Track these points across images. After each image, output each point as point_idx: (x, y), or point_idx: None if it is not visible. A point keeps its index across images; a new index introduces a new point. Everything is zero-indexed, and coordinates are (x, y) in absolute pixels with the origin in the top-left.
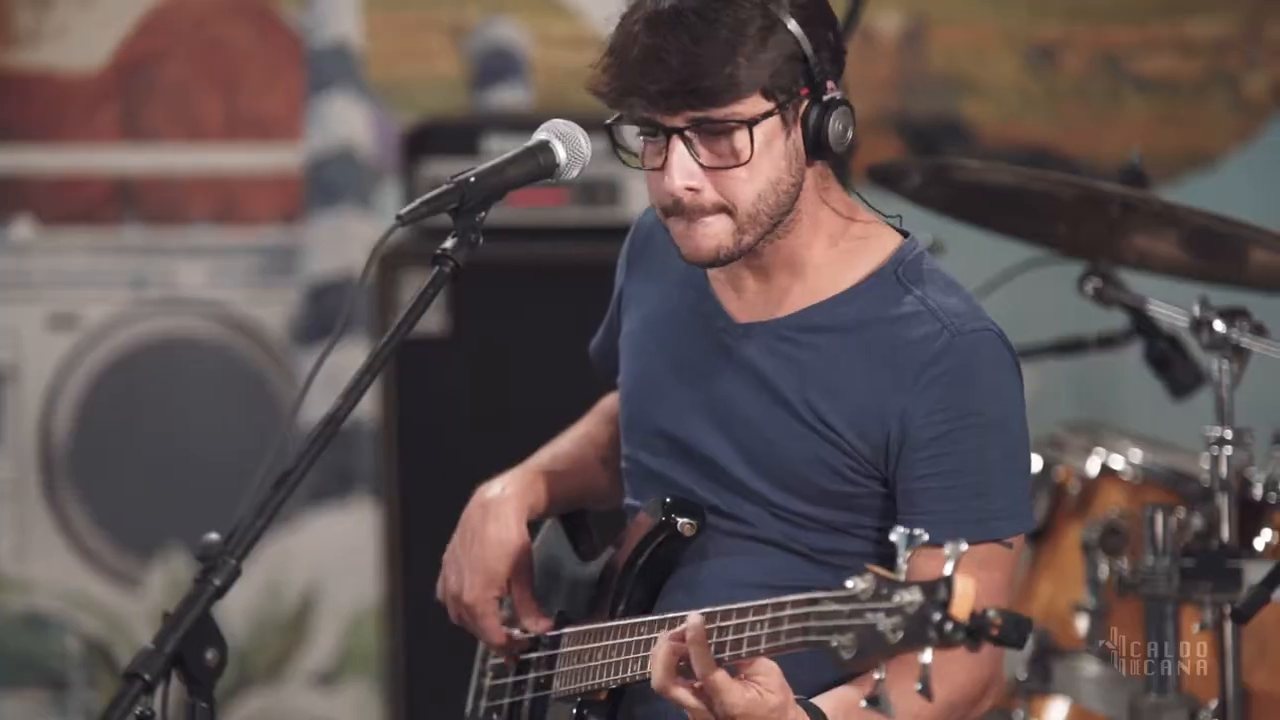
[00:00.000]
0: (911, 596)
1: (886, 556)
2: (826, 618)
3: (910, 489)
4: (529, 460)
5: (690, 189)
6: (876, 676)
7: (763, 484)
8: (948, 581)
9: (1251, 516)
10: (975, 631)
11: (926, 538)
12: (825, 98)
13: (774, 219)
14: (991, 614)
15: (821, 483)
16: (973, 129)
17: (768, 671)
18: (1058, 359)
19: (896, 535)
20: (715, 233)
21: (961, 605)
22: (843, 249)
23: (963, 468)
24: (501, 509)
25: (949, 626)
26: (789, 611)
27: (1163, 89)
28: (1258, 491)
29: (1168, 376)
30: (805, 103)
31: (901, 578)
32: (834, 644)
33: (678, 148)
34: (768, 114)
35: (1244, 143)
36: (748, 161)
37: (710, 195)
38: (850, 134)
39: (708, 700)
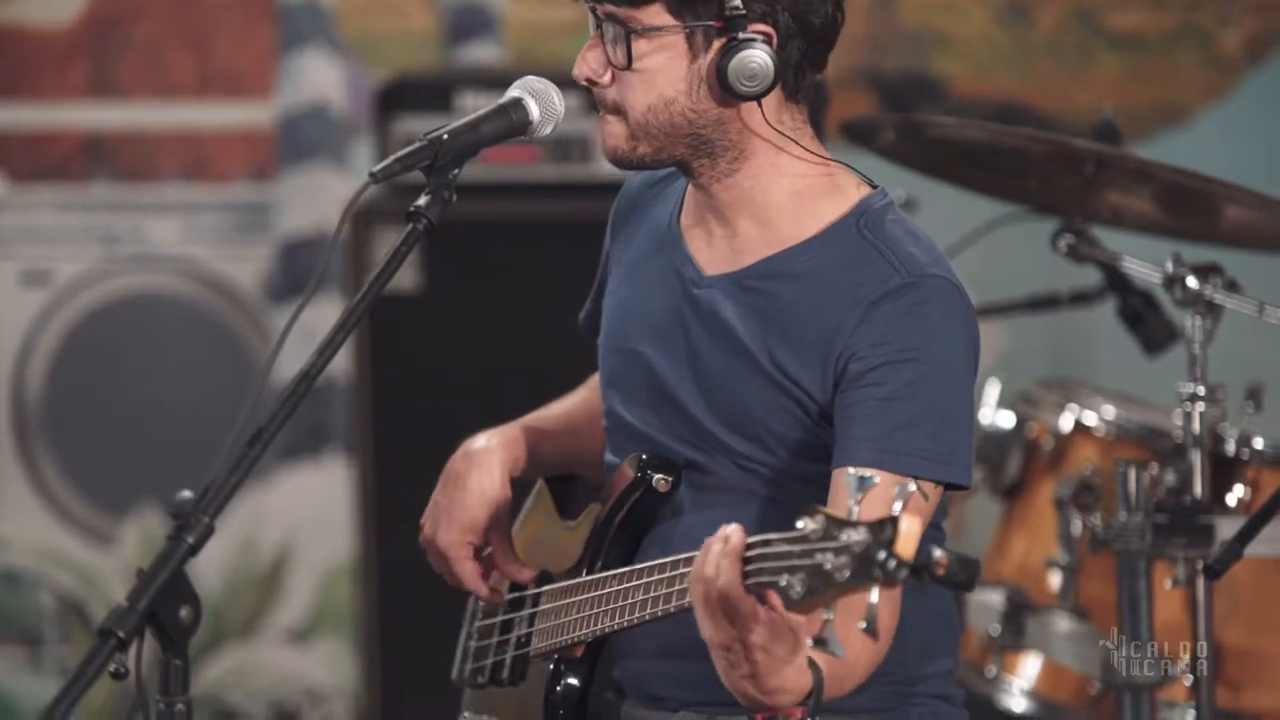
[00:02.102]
0: (858, 536)
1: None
2: (778, 558)
3: (842, 417)
4: (520, 418)
5: (590, 80)
6: (825, 617)
7: (727, 434)
8: (893, 521)
9: (1224, 472)
10: (919, 570)
11: (878, 480)
12: (741, 35)
13: (673, 139)
14: (938, 553)
15: (782, 430)
16: (945, 85)
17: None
18: (1031, 315)
19: (847, 477)
20: (612, 132)
21: (906, 544)
22: (806, 197)
23: (893, 397)
24: (485, 459)
25: (892, 564)
26: (745, 554)
27: (1135, 45)
28: (1230, 447)
29: (1141, 333)
30: (720, 36)
31: (852, 518)
32: (783, 583)
33: (594, 38)
34: (659, 29)
35: (1217, 99)
36: (626, 68)
37: (611, 93)
38: (761, 80)
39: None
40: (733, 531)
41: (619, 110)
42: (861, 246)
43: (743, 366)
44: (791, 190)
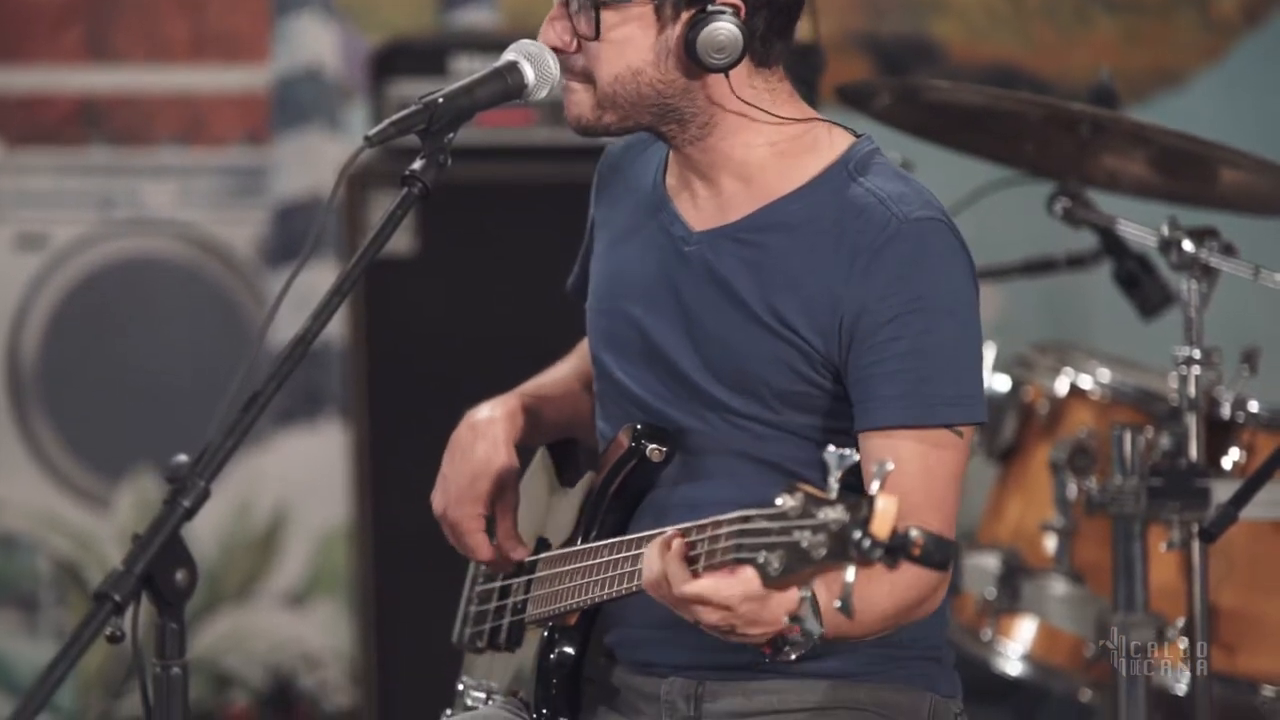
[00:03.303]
0: (835, 514)
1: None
2: (757, 535)
3: (860, 376)
4: (518, 387)
5: (555, 49)
6: (802, 595)
7: (723, 391)
8: (870, 500)
9: (1219, 435)
10: (895, 550)
11: (856, 458)
12: (709, 8)
13: (639, 108)
14: (914, 534)
15: (779, 383)
16: (941, 48)
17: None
18: (1027, 279)
19: (828, 454)
20: (578, 100)
21: (882, 524)
22: (787, 154)
23: (910, 351)
24: (490, 429)
25: (867, 544)
26: (724, 530)
27: (1131, 8)
28: (1225, 411)
29: (1136, 296)
30: (688, 8)
31: (832, 496)
32: (761, 560)
33: (559, 6)
34: (627, 1)
35: (1213, 62)
36: (593, 39)
37: (579, 61)
38: (730, 52)
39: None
40: (671, 537)
41: (587, 78)
42: (853, 192)
43: (739, 319)
44: (770, 148)
